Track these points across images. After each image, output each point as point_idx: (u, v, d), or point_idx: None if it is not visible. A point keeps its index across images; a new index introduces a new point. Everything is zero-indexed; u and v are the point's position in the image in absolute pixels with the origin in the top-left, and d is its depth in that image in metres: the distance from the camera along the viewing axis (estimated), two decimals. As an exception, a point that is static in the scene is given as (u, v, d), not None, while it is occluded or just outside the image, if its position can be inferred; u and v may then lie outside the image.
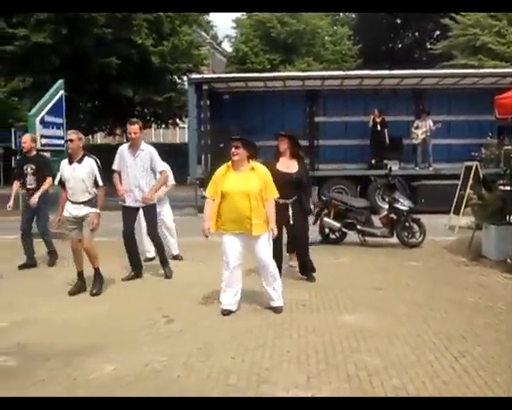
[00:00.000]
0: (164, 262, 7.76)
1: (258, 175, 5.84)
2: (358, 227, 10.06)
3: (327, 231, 10.29)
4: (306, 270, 7.52)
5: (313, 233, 10.37)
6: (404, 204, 9.99)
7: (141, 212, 7.59)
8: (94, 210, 6.66)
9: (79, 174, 6.65)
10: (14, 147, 19.91)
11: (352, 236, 10.18)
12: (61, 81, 12.03)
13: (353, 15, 39.70)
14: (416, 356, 4.61)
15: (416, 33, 41.96)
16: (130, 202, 7.41)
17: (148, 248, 8.68)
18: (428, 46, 36.61)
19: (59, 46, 17.43)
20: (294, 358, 4.60)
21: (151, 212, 7.56)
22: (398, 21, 40.29)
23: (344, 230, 10.11)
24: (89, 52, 17.93)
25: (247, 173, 5.83)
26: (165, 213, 8.88)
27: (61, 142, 11.83)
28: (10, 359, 4.62)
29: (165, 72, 20.79)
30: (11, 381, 4.20)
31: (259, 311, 5.98)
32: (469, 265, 8.38)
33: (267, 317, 5.76)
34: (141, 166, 7.38)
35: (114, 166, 7.50)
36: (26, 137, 8.74)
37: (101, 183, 6.73)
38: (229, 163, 5.91)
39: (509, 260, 8.08)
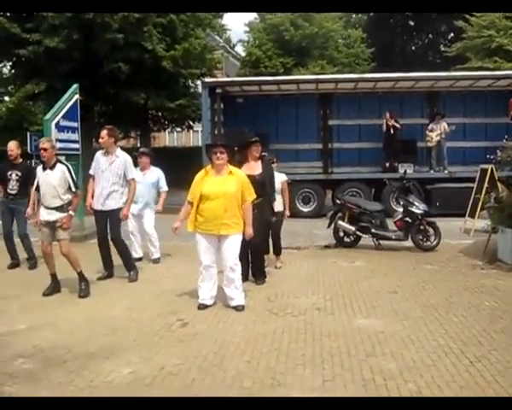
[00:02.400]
0: (128, 266, 7.84)
1: (235, 179, 6.22)
2: (373, 231, 10.03)
3: (341, 234, 10.28)
4: (258, 272, 7.51)
5: (328, 237, 10.43)
6: (418, 207, 9.94)
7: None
8: (65, 215, 6.80)
9: (51, 180, 6.81)
10: (29, 151, 20.05)
11: (366, 239, 10.15)
12: (75, 85, 12.10)
13: (365, 18, 39.61)
14: (431, 360, 4.58)
15: (430, 36, 41.77)
16: (98, 206, 7.68)
17: (135, 249, 9.04)
18: (442, 48, 36.43)
19: (72, 51, 17.56)
20: (309, 362, 4.59)
21: (115, 216, 7.68)
22: (411, 23, 40.11)
23: (358, 233, 10.09)
24: (102, 57, 18.04)
25: (226, 177, 6.20)
26: (146, 218, 9.02)
27: (76, 146, 11.92)
28: (27, 361, 4.66)
29: (178, 76, 20.83)
30: (28, 383, 4.23)
31: (274, 315, 5.98)
32: (485, 268, 8.32)
33: (282, 321, 5.76)
34: (115, 173, 7.64)
35: (90, 171, 7.84)
36: (13, 145, 8.79)
37: (74, 188, 6.91)
38: (208, 167, 6.32)
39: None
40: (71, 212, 6.87)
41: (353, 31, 34.71)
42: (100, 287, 7.24)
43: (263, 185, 7.22)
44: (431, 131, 15.59)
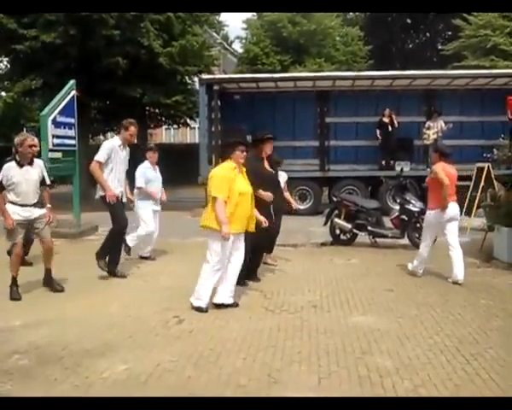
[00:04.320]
0: (101, 255, 7.57)
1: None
2: (369, 228, 10.04)
3: (338, 232, 10.28)
4: (250, 273, 7.23)
5: (324, 235, 10.43)
6: (415, 205, 9.95)
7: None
8: (44, 210, 6.73)
9: (33, 176, 6.67)
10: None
11: (362, 237, 10.16)
12: (72, 81, 12.05)
13: (363, 16, 39.60)
14: (427, 358, 4.59)
15: (427, 34, 41.82)
16: (122, 198, 7.70)
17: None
18: (439, 47, 36.47)
19: (69, 47, 17.51)
20: (305, 359, 4.59)
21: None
22: (409, 22, 40.16)
23: (355, 231, 10.09)
24: (98, 53, 17.98)
25: (243, 175, 6.12)
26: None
27: (73, 142, 11.87)
28: (23, 357, 4.65)
29: (175, 73, 20.77)
30: (24, 379, 4.21)
31: (270, 312, 5.98)
32: (481, 267, 8.35)
33: (278, 318, 5.76)
34: (126, 164, 7.81)
35: (102, 159, 7.40)
36: (37, 141, 8.73)
37: (48, 181, 6.95)
38: (234, 165, 5.99)
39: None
40: (49, 205, 6.78)
41: (351, 29, 34.69)
42: (96, 284, 7.22)
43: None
44: (428, 128, 15.60)
